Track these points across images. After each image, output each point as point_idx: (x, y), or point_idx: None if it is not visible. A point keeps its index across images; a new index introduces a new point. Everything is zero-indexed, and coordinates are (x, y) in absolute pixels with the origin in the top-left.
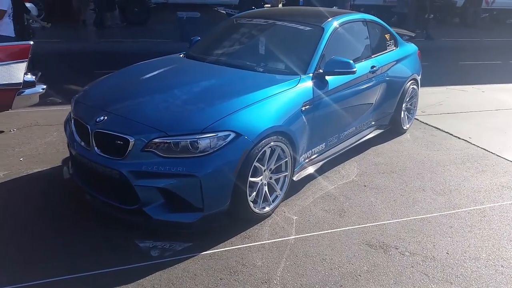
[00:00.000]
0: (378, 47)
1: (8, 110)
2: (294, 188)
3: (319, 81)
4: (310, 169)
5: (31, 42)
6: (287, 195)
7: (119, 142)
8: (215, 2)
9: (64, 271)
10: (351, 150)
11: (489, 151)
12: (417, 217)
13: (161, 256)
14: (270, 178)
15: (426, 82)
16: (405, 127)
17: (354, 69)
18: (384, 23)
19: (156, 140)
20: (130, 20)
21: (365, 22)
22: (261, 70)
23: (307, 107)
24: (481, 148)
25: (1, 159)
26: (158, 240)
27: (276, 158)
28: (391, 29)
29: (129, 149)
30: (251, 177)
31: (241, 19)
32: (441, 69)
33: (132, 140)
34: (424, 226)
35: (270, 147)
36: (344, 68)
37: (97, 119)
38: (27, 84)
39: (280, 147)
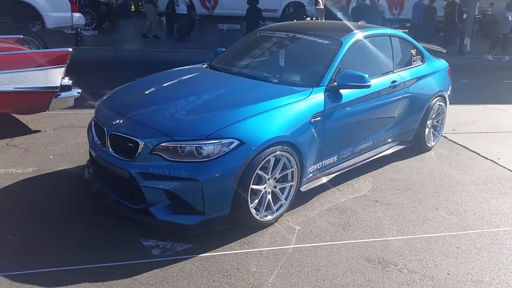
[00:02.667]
0: (402, 62)
1: (45, 111)
2: (302, 198)
3: (332, 94)
4: (320, 181)
5: (70, 49)
6: (294, 205)
7: (130, 144)
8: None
9: (68, 262)
10: (369, 165)
11: None
12: (423, 235)
13: (161, 255)
14: (275, 187)
15: (462, 100)
16: (429, 145)
17: (369, 83)
18: (410, 39)
19: (163, 144)
20: (177, 32)
21: (389, 37)
22: (276, 81)
23: (317, 119)
24: (508, 169)
25: (33, 156)
26: (161, 240)
27: (281, 168)
28: (418, 45)
29: (138, 151)
30: (254, 184)
31: (265, 32)
32: (481, 87)
33: (141, 143)
34: (429, 245)
35: (275, 156)
36: (358, 82)
37: (113, 122)
38: (64, 88)
39: (286, 157)
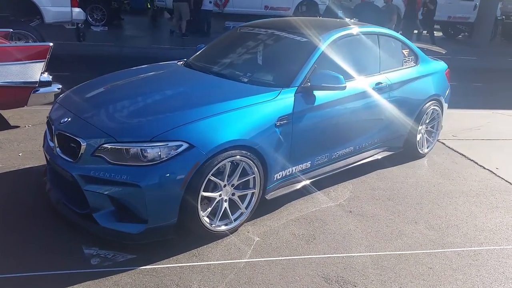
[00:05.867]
0: (391, 63)
1: (24, 107)
2: (270, 206)
3: (305, 96)
4: (292, 188)
5: (51, 44)
6: (259, 214)
7: (73, 145)
8: (268, 14)
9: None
10: (351, 171)
11: None
12: (394, 252)
13: (100, 265)
14: (233, 194)
15: (470, 104)
16: (422, 151)
17: (343, 85)
18: (403, 38)
19: (105, 146)
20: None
21: (377, 36)
22: (246, 80)
23: (283, 121)
24: (505, 181)
25: (3, 152)
26: (104, 249)
27: (239, 174)
28: (412, 45)
29: (81, 152)
30: (206, 191)
31: (245, 28)
32: (494, 91)
33: (84, 144)
34: (398, 263)
35: (231, 161)
36: (332, 83)
37: (61, 121)
38: (43, 83)
39: (245, 162)
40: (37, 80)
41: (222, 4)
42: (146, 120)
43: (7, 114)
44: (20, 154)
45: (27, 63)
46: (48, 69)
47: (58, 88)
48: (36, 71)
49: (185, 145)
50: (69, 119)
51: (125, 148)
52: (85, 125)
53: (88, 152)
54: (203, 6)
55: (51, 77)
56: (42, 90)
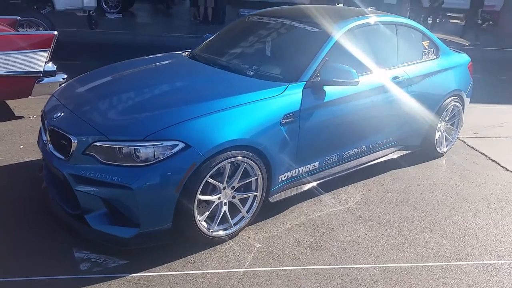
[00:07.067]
0: (409, 55)
1: (28, 97)
2: (275, 209)
3: (314, 91)
4: (295, 190)
5: (55, 32)
6: (262, 217)
7: (63, 141)
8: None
9: None
10: (364, 172)
11: None
12: (406, 264)
13: (88, 271)
14: (233, 197)
15: (493, 98)
16: (441, 151)
17: (356, 80)
18: (423, 28)
19: (96, 144)
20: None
21: (395, 25)
22: (251, 74)
23: (290, 119)
24: None
25: (4, 144)
26: (95, 252)
27: (240, 176)
28: (433, 36)
29: (72, 150)
30: (204, 194)
31: (254, 17)
32: None
33: (75, 141)
34: (410, 277)
35: (231, 162)
36: (344, 78)
37: (54, 116)
38: (48, 73)
39: (247, 163)
40: (41, 69)
41: None
42: (140, 117)
43: (12, 104)
44: (21, 147)
45: (31, 52)
46: (58, 57)
47: (63, 78)
48: (40, 61)
49: (181, 145)
50: (62, 114)
51: (118, 147)
52: (77, 121)
53: (79, 150)
54: None
55: (55, 66)
56: (46, 80)
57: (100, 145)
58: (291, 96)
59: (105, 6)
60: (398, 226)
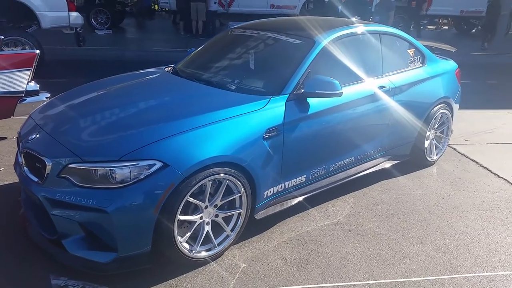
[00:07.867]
0: (395, 64)
1: (10, 117)
2: (261, 226)
3: (297, 103)
4: (281, 206)
5: (37, 51)
6: (248, 235)
7: (38, 164)
8: (274, 13)
9: None
10: (353, 184)
11: None
12: (396, 280)
13: None
14: (216, 216)
15: (484, 104)
16: (431, 159)
17: (339, 91)
18: (408, 37)
19: (71, 166)
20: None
21: (379, 35)
22: (234, 88)
23: (273, 133)
24: None
25: None
26: (73, 279)
27: (222, 193)
28: (418, 44)
29: (47, 173)
30: (185, 214)
31: (236, 30)
32: (508, 89)
33: (49, 163)
34: None
35: (212, 180)
36: (327, 90)
37: (29, 137)
38: (30, 93)
39: (230, 180)
40: (24, 89)
41: (227, 4)
42: (116, 136)
43: None
44: (1, 169)
45: (12, 71)
46: (45, 75)
47: (46, 97)
48: (22, 80)
49: (158, 164)
50: (38, 136)
51: (93, 169)
52: (52, 142)
53: (54, 173)
54: (209, 7)
55: (38, 85)
56: (29, 99)
57: (74, 167)
58: (273, 110)
59: (94, 23)
60: (388, 240)
